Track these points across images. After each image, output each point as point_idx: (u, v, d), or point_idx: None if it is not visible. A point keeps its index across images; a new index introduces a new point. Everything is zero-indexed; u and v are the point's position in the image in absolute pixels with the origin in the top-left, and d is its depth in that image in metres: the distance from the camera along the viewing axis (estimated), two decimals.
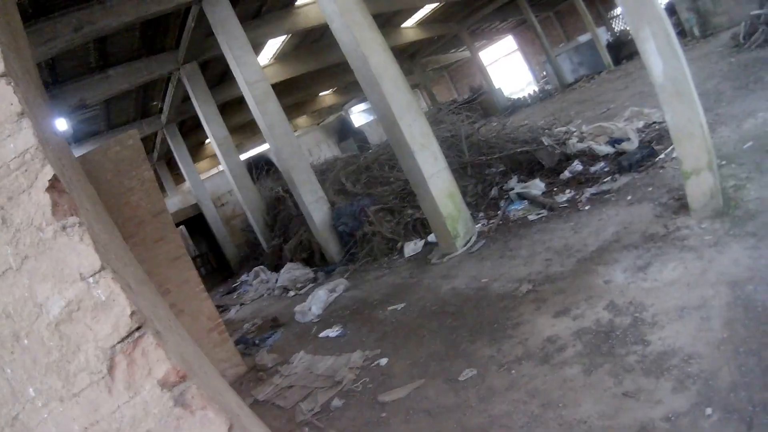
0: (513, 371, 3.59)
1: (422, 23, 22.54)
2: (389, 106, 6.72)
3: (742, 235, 3.85)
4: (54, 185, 1.02)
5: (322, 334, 6.52)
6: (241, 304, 11.12)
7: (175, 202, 19.59)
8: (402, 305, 6.08)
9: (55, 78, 11.00)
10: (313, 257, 10.54)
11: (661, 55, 4.20)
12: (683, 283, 3.55)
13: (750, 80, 8.29)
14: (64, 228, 1.02)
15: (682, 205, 4.72)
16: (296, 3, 13.28)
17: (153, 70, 12.42)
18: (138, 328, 1.02)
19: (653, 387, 2.73)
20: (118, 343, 1.02)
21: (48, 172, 1.04)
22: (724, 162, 5.28)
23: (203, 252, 21.83)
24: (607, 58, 22.51)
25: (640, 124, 8.17)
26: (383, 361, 4.88)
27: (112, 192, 5.28)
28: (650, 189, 5.70)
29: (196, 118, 14.04)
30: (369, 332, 5.81)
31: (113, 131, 16.61)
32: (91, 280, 1.00)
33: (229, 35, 9.82)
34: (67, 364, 1.00)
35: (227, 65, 10.36)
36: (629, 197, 5.77)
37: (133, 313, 1.02)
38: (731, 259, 3.61)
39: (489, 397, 3.44)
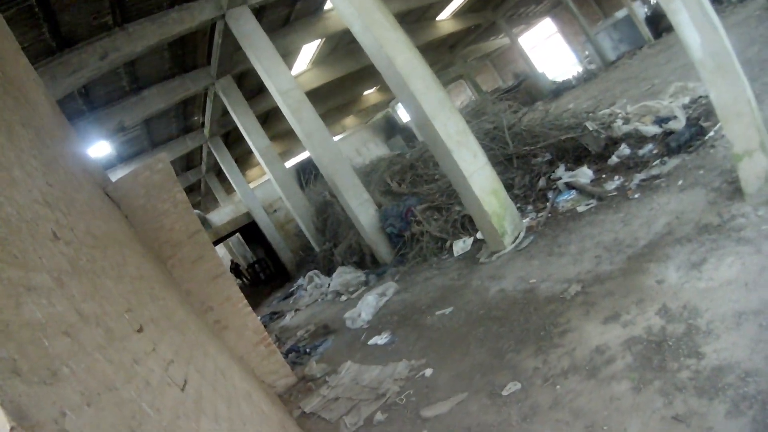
0: (558, 386, 3.36)
1: (457, 14, 22.06)
2: (420, 106, 6.48)
3: None
4: None
5: (370, 342, 6.50)
6: (296, 310, 11.26)
7: (227, 211, 19.97)
8: (450, 309, 5.95)
9: (90, 105, 11.30)
10: (364, 260, 10.49)
11: (696, 27, 3.77)
12: (741, 283, 3.18)
13: None
14: None
15: (736, 189, 4.29)
16: (324, 8, 13.21)
17: (188, 88, 12.58)
18: None
19: (705, 410, 2.43)
20: None
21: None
22: None
23: (260, 258, 22.17)
24: (646, 32, 21.50)
25: (686, 99, 7.64)
26: (428, 372, 4.77)
27: (146, 216, 5.37)
28: (701, 172, 5.26)
29: (239, 129, 14.29)
30: (416, 339, 5.71)
31: (158, 149, 16.98)
32: None
33: (256, 47, 9.81)
34: None
35: None
36: (680, 182, 5.34)
37: None
38: None
39: (531, 416, 3.24)
